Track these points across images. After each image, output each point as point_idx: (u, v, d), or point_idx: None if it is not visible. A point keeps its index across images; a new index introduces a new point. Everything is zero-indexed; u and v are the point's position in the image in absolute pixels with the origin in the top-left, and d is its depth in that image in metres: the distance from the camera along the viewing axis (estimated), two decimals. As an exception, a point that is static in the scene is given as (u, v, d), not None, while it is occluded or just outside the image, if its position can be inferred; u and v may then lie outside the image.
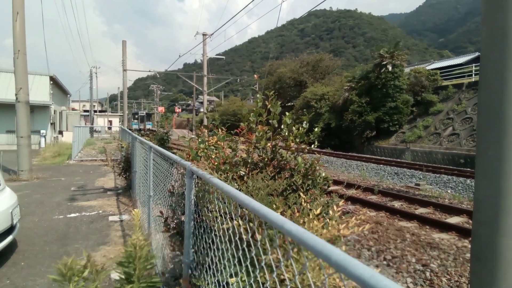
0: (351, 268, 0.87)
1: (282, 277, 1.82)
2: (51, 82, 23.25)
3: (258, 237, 1.71)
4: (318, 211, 2.44)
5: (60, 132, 26.51)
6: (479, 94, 2.93)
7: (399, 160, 20.12)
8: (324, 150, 23.92)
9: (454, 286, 4.49)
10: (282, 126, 3.20)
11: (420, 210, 8.35)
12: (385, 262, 5.22)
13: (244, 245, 1.73)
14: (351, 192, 9.97)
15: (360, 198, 9.37)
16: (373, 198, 9.69)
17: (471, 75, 26.24)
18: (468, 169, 15.37)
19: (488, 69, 2.83)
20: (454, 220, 7.50)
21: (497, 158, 2.69)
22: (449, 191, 11.28)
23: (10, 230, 4.33)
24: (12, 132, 18.05)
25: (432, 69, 28.29)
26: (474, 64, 27.00)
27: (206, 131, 3.69)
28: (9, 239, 4.29)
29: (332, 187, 10.31)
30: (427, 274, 4.79)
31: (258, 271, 1.58)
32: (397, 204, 8.95)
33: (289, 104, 41.97)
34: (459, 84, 25.33)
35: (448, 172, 14.04)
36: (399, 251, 5.60)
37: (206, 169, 2.77)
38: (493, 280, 2.67)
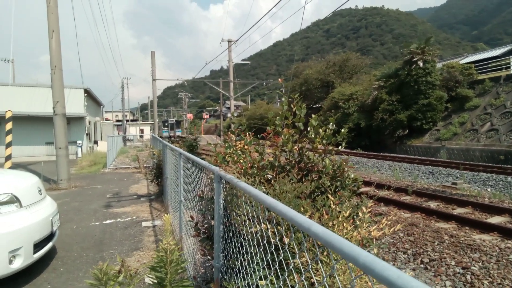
0: (378, 269, 0.85)
1: (311, 280, 1.80)
2: (85, 94, 24.29)
3: (286, 240, 1.70)
4: (348, 213, 2.40)
5: (95, 142, 27.61)
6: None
7: (433, 158, 19.39)
8: (354, 151, 23.47)
9: (498, 290, 4.25)
10: (308, 128, 3.17)
11: (458, 210, 7.99)
12: (422, 266, 5.03)
13: (273, 248, 1.72)
14: (384, 193, 9.71)
15: (393, 199, 9.10)
16: (407, 198, 9.38)
17: (509, 67, 24.95)
18: (509, 166, 14.58)
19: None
20: (495, 220, 7.12)
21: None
22: (488, 190, 10.74)
23: (50, 237, 4.54)
24: (51, 143, 18.99)
25: (466, 63, 27.15)
26: (511, 56, 25.65)
27: (233, 136, 3.72)
28: (49, 245, 4.49)
29: (364, 189, 10.08)
30: (468, 277, 4.56)
31: (287, 274, 1.57)
32: (433, 205, 8.62)
33: (317, 105, 41.61)
34: (496, 77, 24.14)
35: (487, 170, 13.37)
36: (437, 253, 5.38)
37: (234, 173, 2.79)
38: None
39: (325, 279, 1.16)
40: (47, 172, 12.92)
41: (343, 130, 3.19)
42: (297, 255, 1.50)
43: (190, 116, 68.95)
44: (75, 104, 22.42)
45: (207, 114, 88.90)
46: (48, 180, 11.93)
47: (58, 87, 11.06)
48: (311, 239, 1.98)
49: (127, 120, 51.37)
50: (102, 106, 37.68)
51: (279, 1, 13.80)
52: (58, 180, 11.00)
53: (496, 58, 29.40)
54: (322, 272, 1.40)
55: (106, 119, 43.44)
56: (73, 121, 22.37)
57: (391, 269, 0.83)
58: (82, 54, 14.54)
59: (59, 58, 11.06)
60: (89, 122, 25.66)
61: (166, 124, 50.91)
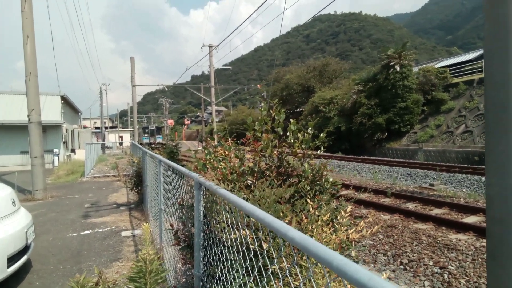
0: (351, 272, 0.87)
1: (291, 285, 1.81)
2: (62, 101, 23.72)
3: (265, 245, 1.71)
4: (327, 217, 2.43)
5: (73, 150, 26.95)
6: (485, 89, 2.89)
7: (412, 161, 19.86)
8: (335, 155, 23.77)
9: (474, 288, 4.37)
10: (287, 133, 3.20)
11: (436, 211, 8.20)
12: (401, 267, 5.13)
13: (252, 255, 1.72)
14: (364, 195, 9.86)
15: (373, 201, 9.25)
16: (387, 200, 9.55)
17: (482, 70, 25.87)
18: (483, 166, 15.02)
19: (493, 64, 2.79)
20: (471, 219, 7.34)
21: (506, 154, 2.64)
22: (464, 190, 11.06)
23: (25, 249, 4.39)
24: (26, 152, 18.42)
25: (441, 67, 28.03)
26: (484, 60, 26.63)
27: (212, 142, 3.71)
28: (24, 258, 4.34)
29: (344, 192, 10.21)
30: (445, 276, 4.68)
31: (265, 280, 1.57)
32: (411, 206, 8.81)
33: (298, 110, 41.97)
34: (470, 80, 25.01)
35: (462, 171, 13.79)
36: (416, 254, 5.49)
37: (213, 180, 2.78)
38: (510, 278, 2.59)
39: (301, 283, 1.17)
40: (22, 182, 12.52)
41: (321, 135, 3.23)
42: (275, 260, 1.50)
43: (171, 122, 68.27)
44: (52, 112, 21.85)
45: (188, 120, 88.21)
46: (23, 190, 11.55)
47: (33, 94, 10.76)
48: (289, 244, 1.99)
49: (106, 127, 50.37)
50: (79, 113, 36.87)
51: (259, 7, 13.90)
52: (34, 191, 10.67)
53: (470, 62, 30.44)
54: (299, 276, 1.41)
55: (84, 127, 42.50)
56: (49, 129, 21.77)
57: (363, 272, 0.84)
58: (59, 60, 14.20)
59: (35, 64, 10.78)
60: (66, 129, 25.03)
61: (147, 130, 50.22)
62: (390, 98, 25.68)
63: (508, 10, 2.69)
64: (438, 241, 5.93)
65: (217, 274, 2.20)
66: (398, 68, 25.37)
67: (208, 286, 2.45)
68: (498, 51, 2.76)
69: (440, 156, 20.89)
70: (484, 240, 5.98)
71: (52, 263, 5.05)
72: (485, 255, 5.24)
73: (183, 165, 4.77)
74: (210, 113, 39.41)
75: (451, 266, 4.96)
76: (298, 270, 1.53)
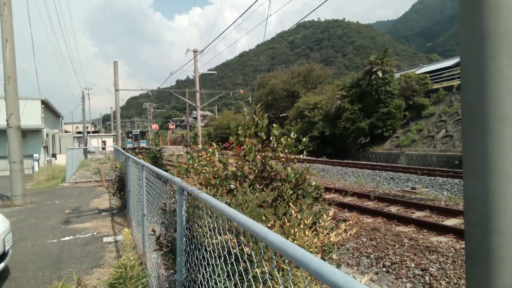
0: (327, 275, 0.88)
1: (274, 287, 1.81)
2: (43, 106, 23.21)
3: (246, 249, 1.71)
4: (309, 221, 2.44)
5: (54, 155, 26.36)
6: (462, 95, 2.98)
7: (394, 164, 20.19)
8: (319, 159, 23.96)
9: (454, 289, 4.46)
10: (271, 138, 3.21)
11: (417, 214, 8.35)
12: (384, 269, 5.19)
13: (233, 259, 1.72)
14: (348, 199, 9.96)
15: (356, 205, 9.36)
16: (370, 204, 9.68)
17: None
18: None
19: (469, 71, 2.88)
20: (451, 222, 7.50)
21: (483, 158, 2.72)
22: (445, 193, 11.30)
23: (2, 256, 4.27)
24: (5, 158, 17.91)
25: (422, 73, 28.71)
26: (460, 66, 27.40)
27: (196, 147, 3.70)
28: (1, 266, 4.22)
29: (329, 195, 10.29)
30: (426, 278, 4.76)
31: (246, 284, 1.57)
32: (394, 209, 8.94)
33: (283, 115, 42.20)
34: (449, 86, 25.69)
35: (443, 174, 14.10)
36: (398, 256, 5.57)
37: (196, 184, 2.77)
38: (488, 279, 2.67)
39: (281, 286, 1.17)
40: (0, 188, 12.17)
41: (304, 139, 3.26)
42: (255, 264, 1.51)
43: (155, 126, 67.58)
44: (32, 116, 21.35)
45: (173, 125, 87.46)
46: (1, 196, 11.22)
47: (12, 98, 10.51)
48: (270, 247, 2.00)
49: (88, 132, 49.51)
50: (61, 118, 36.13)
51: (244, 12, 13.97)
52: (12, 196, 10.37)
53: (449, 68, 31.31)
54: (279, 280, 1.41)
55: (66, 131, 41.66)
56: (29, 133, 21.25)
57: (339, 274, 0.86)
58: (39, 64, 13.92)
59: (14, 68, 10.53)
60: (46, 134, 24.48)
61: (130, 135, 49.52)
62: (373, 103, 26.13)
63: (483, 18, 2.79)
64: (420, 244, 6.04)
65: (199, 279, 2.19)
66: (380, 74, 25.85)
67: (190, 291, 2.42)
68: (473, 58, 2.86)
69: (421, 160, 21.32)
70: (464, 242, 6.13)
71: (31, 270, 4.91)
72: (465, 257, 5.37)
73: (166, 170, 4.73)
74: (195, 118, 39.26)
75: (432, 268, 5.06)
76: (280, 274, 1.53)
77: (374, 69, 26.20)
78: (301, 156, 3.31)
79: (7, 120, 10.43)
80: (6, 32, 10.37)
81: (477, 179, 2.78)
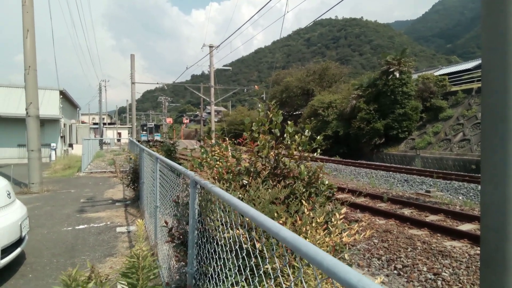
0: (341, 273, 0.87)
1: (283, 285, 1.81)
2: (61, 96, 23.67)
3: (258, 245, 1.71)
4: (321, 219, 2.43)
5: (70, 145, 26.88)
6: (482, 98, 2.89)
7: (409, 167, 19.91)
8: (332, 158, 23.79)
9: (466, 295, 4.38)
10: (284, 135, 3.20)
11: (431, 218, 8.22)
12: (395, 272, 5.14)
13: (244, 254, 1.72)
14: (360, 200, 9.87)
15: (369, 206, 9.27)
16: (383, 205, 9.57)
17: (481, 79, 26.01)
18: (480, 175, 15.10)
19: (490, 74, 2.81)
20: (466, 227, 7.36)
21: (502, 163, 2.65)
22: (460, 198, 11.09)
23: (18, 242, 4.38)
24: (23, 146, 18.35)
25: (440, 75, 28.15)
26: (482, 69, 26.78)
27: (209, 141, 3.72)
28: (17, 251, 4.33)
29: (341, 195, 10.22)
30: (439, 283, 4.69)
31: (257, 279, 1.58)
32: (407, 212, 8.83)
33: (297, 113, 42.02)
34: (468, 89, 25.13)
35: (459, 179, 13.83)
36: (410, 259, 5.50)
37: (209, 178, 2.78)
38: (503, 285, 2.61)
39: (292, 283, 1.17)
40: (18, 175, 12.48)
41: (318, 137, 3.24)
42: (267, 260, 1.51)
43: (169, 120, 68.16)
44: (50, 106, 21.82)
45: (187, 119, 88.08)
46: (19, 183, 11.51)
47: (32, 88, 10.74)
48: (284, 245, 2.00)
49: (104, 123, 50.28)
50: (78, 109, 36.80)
51: (261, 9, 13.93)
52: (30, 184, 10.64)
53: (469, 70, 30.62)
54: (290, 277, 1.41)
55: (82, 122, 42.39)
56: (47, 123, 21.72)
57: (353, 273, 0.85)
58: (58, 55, 14.18)
59: (34, 58, 10.76)
60: (64, 124, 24.97)
61: (145, 128, 50.19)
62: (389, 104, 25.76)
63: (506, 19, 2.72)
64: (433, 248, 5.95)
65: (210, 272, 2.20)
66: (397, 75, 25.45)
67: (200, 283, 2.45)
68: (495, 60, 2.78)
69: (437, 163, 20.96)
70: (479, 248, 6.01)
71: (46, 256, 5.04)
72: (479, 263, 5.27)
73: (180, 164, 4.77)
74: (209, 113, 39.46)
75: (445, 272, 4.98)
76: (290, 271, 1.53)
77: (391, 69, 25.80)
78: (315, 154, 3.29)
79: (26, 109, 10.67)
80: (27, 22, 10.59)
81: (495, 185, 2.71)
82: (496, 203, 2.72)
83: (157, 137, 44.75)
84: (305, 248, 1.05)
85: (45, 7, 12.83)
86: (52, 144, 21.40)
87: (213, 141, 3.65)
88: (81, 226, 6.68)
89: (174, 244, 3.12)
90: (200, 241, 2.54)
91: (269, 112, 3.19)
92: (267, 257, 1.53)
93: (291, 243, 1.13)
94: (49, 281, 4.17)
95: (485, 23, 2.88)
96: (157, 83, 43.82)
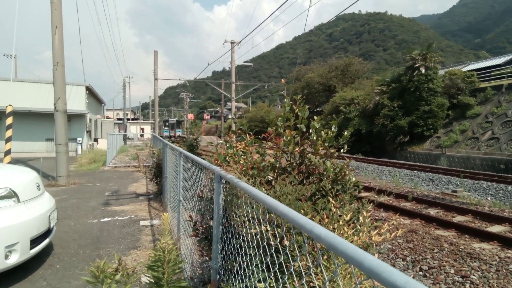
0: (384, 274, 0.82)
1: (311, 284, 1.76)
2: (87, 92, 24.27)
3: (286, 242, 1.67)
4: (348, 217, 2.37)
5: (96, 140, 27.59)
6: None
7: (434, 166, 19.36)
8: (354, 156, 23.43)
9: (497, 299, 4.21)
10: (310, 131, 3.14)
11: (458, 218, 7.95)
12: (421, 273, 4.99)
13: (273, 251, 1.69)
14: (384, 199, 9.67)
15: (392, 205, 9.06)
16: (407, 205, 9.34)
17: None
18: (510, 175, 14.55)
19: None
20: (495, 229, 7.09)
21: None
22: (489, 198, 10.70)
23: (47, 233, 4.50)
24: (51, 140, 18.96)
25: (468, 71, 27.16)
26: (514, 65, 25.67)
27: (234, 136, 3.70)
28: (46, 242, 4.46)
29: (364, 194, 10.04)
30: (467, 286, 4.52)
31: (286, 277, 1.54)
32: (432, 212, 8.58)
33: (318, 109, 41.61)
34: (498, 85, 24.15)
35: (487, 178, 13.34)
36: (436, 261, 5.33)
37: (234, 173, 2.76)
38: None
39: (326, 283, 1.12)
40: (46, 168, 12.89)
41: (345, 133, 3.16)
42: (298, 257, 1.47)
43: (191, 116, 68.91)
44: (77, 101, 22.41)
45: (208, 115, 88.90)
46: (47, 176, 11.89)
47: (60, 83, 11.04)
48: (311, 242, 1.95)
49: (128, 119, 51.35)
50: (103, 104, 37.67)
51: (282, 4, 13.79)
52: (57, 177, 10.97)
53: (499, 66, 29.43)
54: (324, 275, 1.36)
55: (107, 117, 43.42)
56: (74, 118, 22.35)
57: (399, 275, 0.80)
58: (84, 52, 14.53)
59: (62, 54, 11.05)
60: (90, 119, 25.63)
61: (167, 123, 50.85)
62: (414, 101, 25.06)
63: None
64: (461, 249, 5.75)
65: (235, 268, 2.18)
66: (423, 70, 24.71)
67: (225, 279, 2.43)
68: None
69: (464, 162, 20.29)
70: (510, 251, 5.76)
71: (73, 247, 5.17)
72: (511, 266, 5.05)
73: (202, 159, 4.78)
74: (230, 109, 39.61)
75: (474, 275, 4.80)
76: (321, 269, 1.49)
77: (417, 65, 25.07)
78: (341, 150, 3.21)
79: (54, 104, 10.98)
80: (56, 19, 10.86)
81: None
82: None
83: (179, 132, 45.33)
84: (343, 247, 1.01)
85: (72, 5, 13.15)
86: (79, 139, 22.02)
87: (236, 136, 3.63)
88: (106, 219, 6.82)
89: (198, 238, 3.12)
90: (225, 236, 2.53)
91: (294, 107, 3.14)
92: (298, 254, 1.49)
93: (327, 241, 1.09)
94: (76, 272, 4.27)
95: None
96: (179, 79, 44.30)
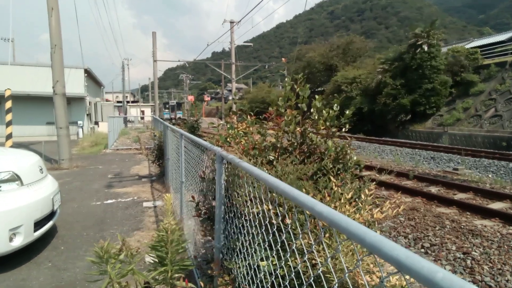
0: (386, 249, 0.82)
1: (313, 261, 1.78)
2: (86, 74, 24.08)
3: (288, 221, 1.67)
4: (350, 195, 2.37)
5: (96, 123, 27.57)
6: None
7: (435, 144, 19.34)
8: (356, 135, 23.39)
9: (497, 274, 4.27)
10: (311, 110, 3.11)
11: (459, 196, 7.99)
12: (423, 250, 5.05)
13: (275, 229, 1.69)
14: (385, 177, 9.68)
15: (394, 183, 9.10)
16: (408, 183, 9.38)
17: (516, 52, 24.56)
18: (511, 152, 14.52)
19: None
20: (497, 205, 7.12)
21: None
22: (490, 176, 10.72)
23: (51, 215, 4.55)
24: (52, 123, 18.92)
25: (471, 48, 26.73)
26: (518, 41, 25.23)
27: (235, 117, 3.67)
28: (50, 224, 4.50)
29: (365, 173, 10.06)
30: (468, 262, 4.58)
31: (288, 255, 1.54)
32: (434, 190, 8.62)
33: (319, 89, 41.25)
34: (502, 62, 23.82)
35: (489, 156, 13.34)
36: (438, 238, 5.39)
37: (236, 153, 2.75)
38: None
39: (328, 259, 1.12)
40: (48, 152, 12.93)
41: (347, 112, 3.13)
42: (300, 235, 1.47)
43: (191, 98, 68.55)
44: (75, 84, 22.26)
45: (208, 97, 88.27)
46: (49, 159, 11.94)
47: (58, 66, 10.93)
48: (313, 220, 1.95)
49: (127, 101, 51.16)
50: (102, 87, 37.44)
51: (283, -19, 13.46)
52: (60, 160, 11.01)
53: (502, 43, 28.90)
54: (326, 253, 1.36)
55: (107, 100, 43.26)
56: (73, 101, 22.26)
57: (400, 249, 0.79)
58: (82, 34, 14.35)
59: (59, 36, 10.89)
60: (89, 102, 25.53)
61: (167, 106, 50.62)
62: (417, 79, 24.78)
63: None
64: (462, 226, 5.80)
65: (238, 247, 2.20)
66: (426, 48, 24.33)
67: (228, 258, 2.46)
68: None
69: (465, 140, 20.25)
70: (511, 227, 5.81)
71: (77, 229, 5.23)
72: None
73: (204, 140, 4.77)
74: (230, 90, 39.35)
75: (475, 252, 4.85)
76: (323, 246, 1.49)
77: (420, 43, 24.67)
78: (343, 130, 3.19)
79: (53, 87, 10.90)
80: (51, 0, 10.66)
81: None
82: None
83: (179, 114, 45.18)
84: (345, 223, 1.00)
85: (68, -15, 12.88)
86: (79, 122, 22.00)
87: (237, 116, 3.60)
88: (109, 201, 6.88)
89: (201, 218, 3.14)
90: (227, 216, 2.54)
91: (295, 86, 3.10)
92: (299, 232, 1.49)
93: (329, 217, 1.08)
94: (80, 253, 4.33)
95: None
96: (178, 61, 43.85)
